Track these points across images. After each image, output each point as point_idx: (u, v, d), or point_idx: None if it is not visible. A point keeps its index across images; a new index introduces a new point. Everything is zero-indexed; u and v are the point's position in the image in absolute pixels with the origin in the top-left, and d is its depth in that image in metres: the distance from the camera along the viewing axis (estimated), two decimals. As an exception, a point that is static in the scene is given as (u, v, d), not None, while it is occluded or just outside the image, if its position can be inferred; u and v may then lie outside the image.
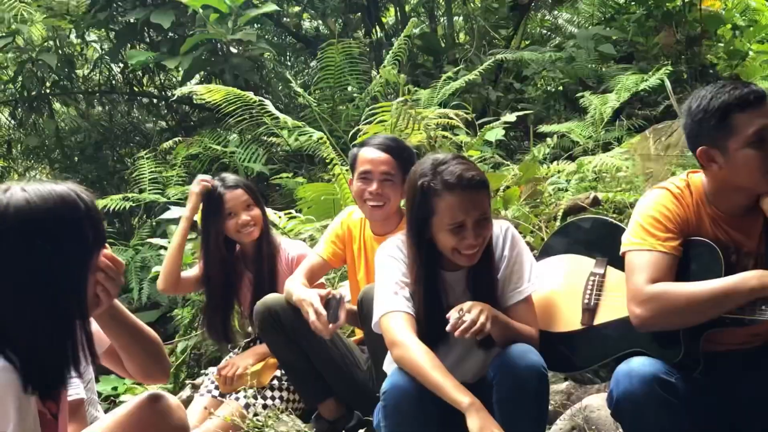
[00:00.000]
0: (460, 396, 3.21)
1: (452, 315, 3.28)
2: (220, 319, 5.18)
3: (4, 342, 2.46)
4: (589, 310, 3.59)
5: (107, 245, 2.72)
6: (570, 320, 3.64)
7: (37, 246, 2.48)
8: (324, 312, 4.01)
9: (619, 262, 3.46)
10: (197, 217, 5.18)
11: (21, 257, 2.47)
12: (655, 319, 3.20)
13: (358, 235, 4.66)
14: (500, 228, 3.67)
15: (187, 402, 5.38)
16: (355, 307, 4.23)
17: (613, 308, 3.51)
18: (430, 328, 3.40)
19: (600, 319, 3.56)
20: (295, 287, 4.29)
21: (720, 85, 3.34)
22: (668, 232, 3.32)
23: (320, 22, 11.73)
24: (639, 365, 3.15)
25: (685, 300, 3.16)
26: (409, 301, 3.52)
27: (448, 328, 3.26)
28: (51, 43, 10.60)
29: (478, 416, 3.15)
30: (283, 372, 4.73)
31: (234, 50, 9.41)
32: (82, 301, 2.59)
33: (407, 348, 3.36)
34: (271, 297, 4.48)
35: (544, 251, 3.89)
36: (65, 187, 2.58)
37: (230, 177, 5.12)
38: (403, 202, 4.57)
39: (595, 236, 3.74)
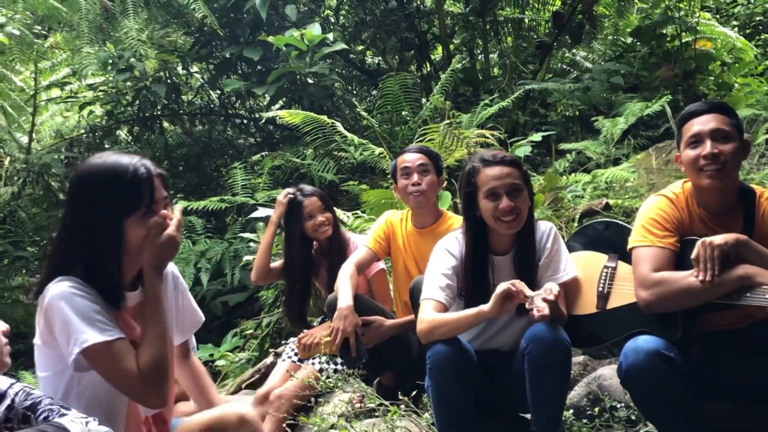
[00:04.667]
0: (478, 309, 3.29)
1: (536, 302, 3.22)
2: (298, 308, 5.24)
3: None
4: (603, 297, 3.58)
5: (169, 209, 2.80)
6: (587, 305, 3.64)
7: (88, 196, 2.69)
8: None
9: (628, 258, 3.46)
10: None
11: (79, 203, 2.70)
12: (658, 302, 3.22)
13: (400, 231, 4.71)
14: (546, 226, 3.73)
15: (270, 367, 5.44)
16: None
17: (623, 295, 3.51)
18: (477, 302, 3.37)
19: (612, 304, 3.56)
20: (344, 288, 4.33)
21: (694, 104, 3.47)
22: (666, 230, 3.34)
23: (381, 58, 11.75)
24: (644, 342, 3.15)
25: (682, 286, 3.17)
26: (445, 290, 3.54)
27: (536, 317, 3.21)
28: (162, 73, 10.73)
29: (493, 298, 3.23)
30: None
31: (310, 81, 9.45)
32: (115, 244, 2.69)
33: (426, 322, 3.43)
34: None
35: (567, 248, 3.87)
36: (128, 159, 2.74)
37: (307, 187, 5.18)
38: (442, 203, 4.64)
39: (609, 236, 3.73)
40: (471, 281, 3.61)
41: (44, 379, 2.71)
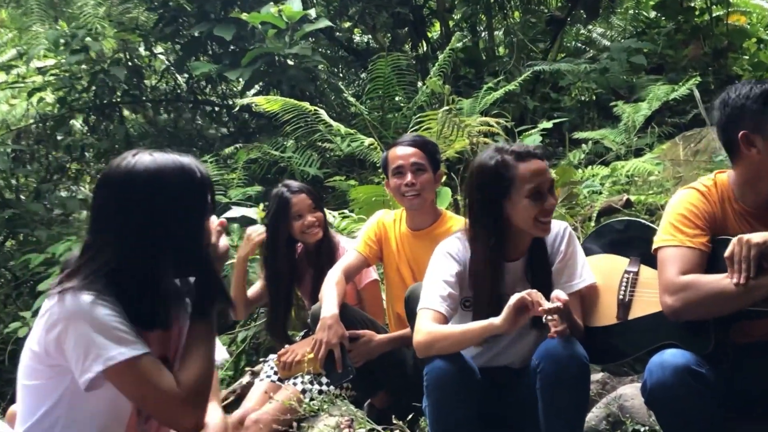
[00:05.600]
0: (488, 322, 3.26)
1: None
2: (280, 322, 5.20)
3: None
4: (624, 305, 3.58)
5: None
6: (606, 315, 3.63)
7: (157, 201, 2.59)
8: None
9: (651, 261, 3.45)
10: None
11: (143, 209, 2.58)
12: (685, 308, 3.19)
13: (393, 234, 4.68)
14: (560, 226, 3.72)
15: (246, 387, 5.43)
16: None
17: (646, 303, 3.51)
18: (488, 312, 3.36)
19: (634, 313, 3.55)
20: (328, 296, 4.30)
21: (753, 80, 3.37)
22: (696, 228, 3.31)
23: (370, 36, 11.74)
24: (671, 357, 3.12)
25: (713, 290, 3.15)
26: (446, 300, 3.52)
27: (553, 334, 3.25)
28: (121, 55, 10.70)
29: (506, 310, 3.20)
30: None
31: (290, 63, 9.43)
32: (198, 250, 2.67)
33: (424, 334, 3.41)
34: None
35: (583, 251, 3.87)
36: (187, 159, 2.68)
37: (294, 183, 5.14)
38: (442, 200, 4.61)
39: (629, 236, 3.73)
40: (480, 290, 3.58)
41: (30, 388, 2.67)
